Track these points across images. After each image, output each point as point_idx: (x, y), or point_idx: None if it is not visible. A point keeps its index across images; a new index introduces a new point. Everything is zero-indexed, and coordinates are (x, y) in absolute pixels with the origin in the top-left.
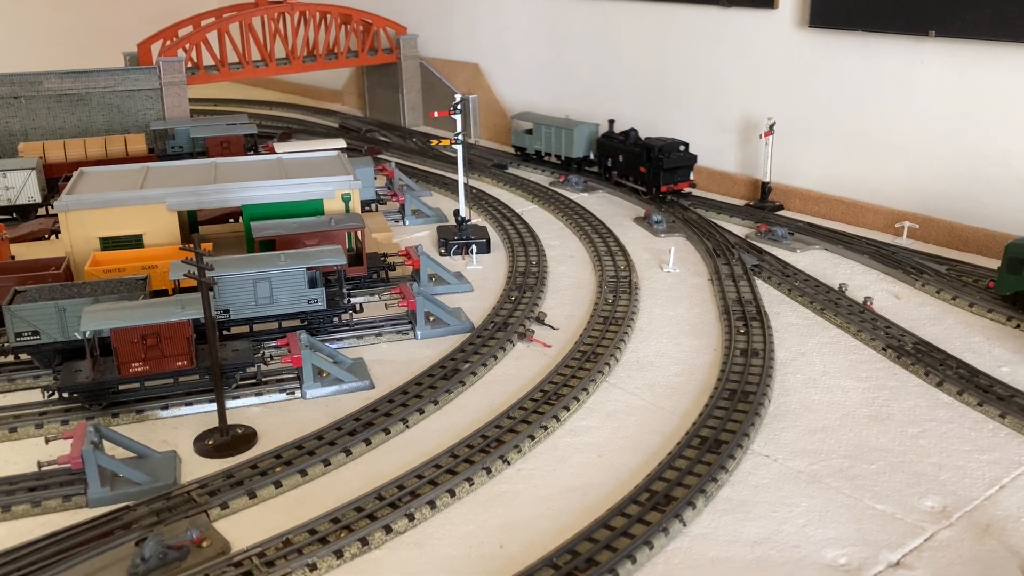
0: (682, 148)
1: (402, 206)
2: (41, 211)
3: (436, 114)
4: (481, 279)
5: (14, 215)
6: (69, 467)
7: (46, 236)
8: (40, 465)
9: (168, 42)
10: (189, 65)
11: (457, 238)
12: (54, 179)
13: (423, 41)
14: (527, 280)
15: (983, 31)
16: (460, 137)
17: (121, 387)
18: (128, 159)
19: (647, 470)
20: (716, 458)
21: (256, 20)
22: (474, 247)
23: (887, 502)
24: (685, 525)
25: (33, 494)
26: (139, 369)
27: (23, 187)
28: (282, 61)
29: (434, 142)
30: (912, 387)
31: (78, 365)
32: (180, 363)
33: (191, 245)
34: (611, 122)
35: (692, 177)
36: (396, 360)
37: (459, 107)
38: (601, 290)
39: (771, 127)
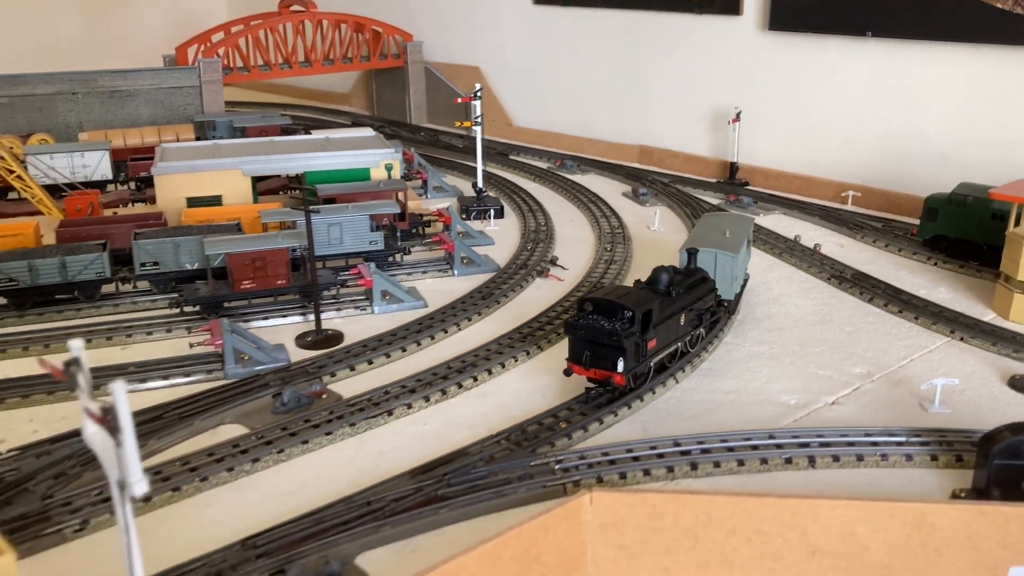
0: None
1: (424, 182)
2: (110, 187)
3: (460, 100)
4: (499, 237)
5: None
6: (213, 349)
7: (125, 205)
8: (191, 345)
9: (203, 46)
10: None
11: (476, 205)
12: (118, 162)
13: (427, 47)
14: (538, 236)
15: (907, 32)
16: (479, 120)
17: (232, 302)
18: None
19: None
20: (701, 340)
21: (280, 27)
22: (491, 211)
23: (827, 369)
24: (677, 382)
25: (184, 368)
26: (248, 286)
27: (97, 165)
28: (303, 64)
29: (457, 124)
30: (850, 303)
31: (197, 285)
32: (280, 282)
33: (301, 192)
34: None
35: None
36: (441, 290)
37: (479, 94)
38: (600, 242)
39: (737, 115)
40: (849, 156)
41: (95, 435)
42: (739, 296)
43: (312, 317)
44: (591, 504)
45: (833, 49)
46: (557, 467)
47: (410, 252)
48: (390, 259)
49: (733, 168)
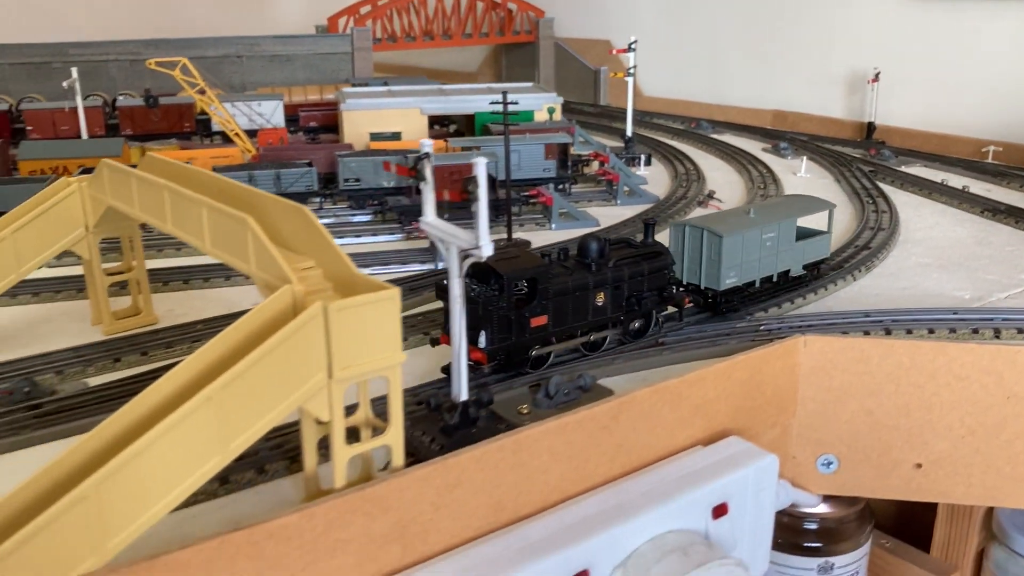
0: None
1: (571, 135)
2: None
3: (615, 51)
4: (651, 178)
5: None
6: (424, 243)
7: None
8: (407, 236)
9: (353, 17)
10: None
11: (626, 152)
12: (289, 116)
13: (557, 22)
14: (689, 177)
15: None
16: (632, 71)
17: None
18: (335, 104)
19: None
20: (869, 252)
21: (425, 1)
22: (642, 157)
23: (994, 274)
24: (855, 279)
25: (401, 256)
26: (448, 196)
27: (272, 114)
28: (444, 37)
29: (612, 74)
30: (1005, 232)
31: (399, 197)
32: None
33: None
34: None
35: None
36: (608, 214)
37: (633, 46)
38: (753, 184)
39: (876, 75)
40: (990, 113)
41: (432, 223)
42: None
43: (498, 229)
44: (804, 347)
45: (971, 9)
46: (761, 327)
47: (576, 181)
48: (559, 187)
49: (870, 128)
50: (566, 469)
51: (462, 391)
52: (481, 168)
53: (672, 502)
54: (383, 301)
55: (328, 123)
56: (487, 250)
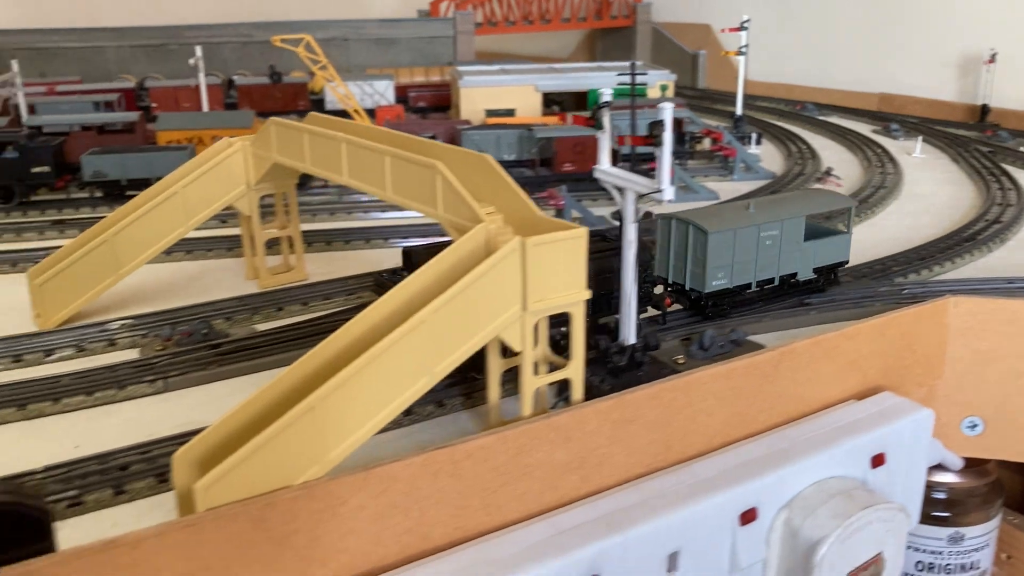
0: None
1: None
2: None
3: (726, 30)
4: (764, 157)
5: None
6: (555, 208)
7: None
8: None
9: (454, 2)
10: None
11: (736, 131)
12: (400, 97)
13: (654, 7)
14: (803, 155)
15: None
16: (744, 49)
17: (553, 184)
18: (443, 84)
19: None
20: (1001, 225)
21: None
22: (753, 135)
23: None
24: (991, 251)
25: None
26: (569, 168)
27: (384, 92)
28: (543, 21)
29: (723, 53)
30: None
31: (521, 169)
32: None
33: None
34: None
35: None
36: (725, 188)
37: (745, 25)
38: (870, 163)
39: (993, 56)
40: None
41: (607, 170)
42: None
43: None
44: (954, 307)
45: None
46: (905, 292)
47: (693, 157)
48: (676, 162)
49: (984, 110)
50: (730, 414)
51: (630, 335)
52: (667, 112)
53: (833, 450)
54: (573, 239)
55: (437, 102)
56: (668, 194)
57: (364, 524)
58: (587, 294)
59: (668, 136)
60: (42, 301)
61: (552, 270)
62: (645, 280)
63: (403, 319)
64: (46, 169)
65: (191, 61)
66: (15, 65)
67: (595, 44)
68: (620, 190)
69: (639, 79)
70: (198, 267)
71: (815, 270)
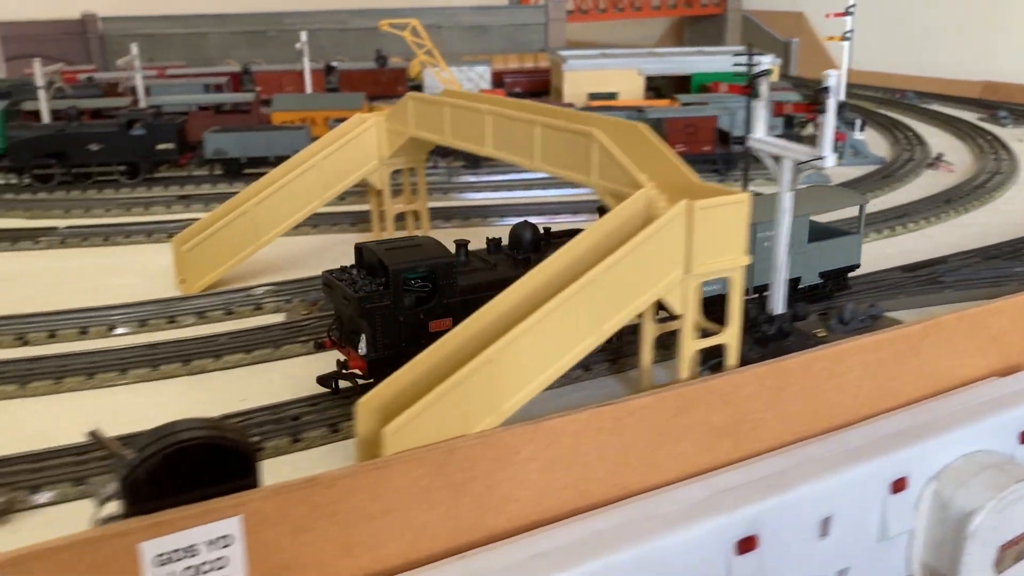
0: None
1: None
2: None
3: (832, 15)
4: (870, 143)
5: None
6: None
7: None
8: None
9: None
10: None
11: (840, 117)
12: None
13: None
14: (909, 141)
15: None
16: (849, 34)
17: None
18: (538, 70)
19: None
20: None
21: None
22: (857, 121)
23: None
24: None
25: None
26: (681, 149)
27: (481, 78)
28: (634, 8)
29: (826, 38)
30: None
31: None
32: (706, 148)
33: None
34: None
35: None
36: (834, 173)
37: (851, 10)
38: (981, 151)
39: None
40: None
41: (762, 139)
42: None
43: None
44: None
45: None
46: None
47: (801, 141)
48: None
49: None
50: (875, 385)
51: (779, 305)
52: (832, 79)
53: (980, 424)
54: (736, 204)
55: (533, 87)
56: (830, 160)
57: (533, 475)
58: (747, 259)
59: (832, 103)
60: (186, 268)
61: (715, 234)
62: None
63: (566, 281)
64: (171, 146)
65: (297, 46)
66: (134, 48)
67: (682, 32)
68: (777, 159)
69: (754, 62)
70: (323, 241)
71: (821, 275)
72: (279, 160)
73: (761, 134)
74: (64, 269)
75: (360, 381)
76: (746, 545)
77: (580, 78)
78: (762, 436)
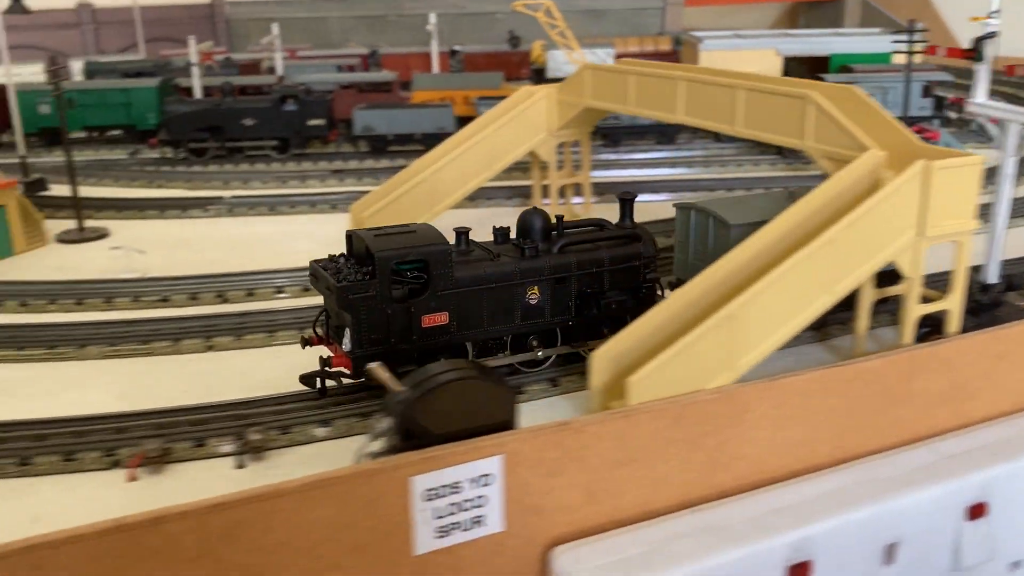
0: None
1: None
2: None
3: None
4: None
5: None
6: None
7: None
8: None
9: None
10: None
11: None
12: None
13: None
14: None
15: None
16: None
17: None
18: (658, 53)
19: None
20: None
21: None
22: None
23: None
24: None
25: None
26: None
27: (603, 61)
28: None
29: (970, 19)
30: None
31: None
32: None
33: None
34: None
35: None
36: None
37: None
38: None
39: None
40: None
41: (984, 103)
42: None
43: None
44: None
45: None
46: None
47: (949, 123)
48: (938, 127)
49: None
50: None
51: (993, 274)
52: (994, 24)
53: None
54: (972, 165)
55: None
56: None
57: (763, 433)
58: (976, 224)
59: (988, 53)
60: None
61: (949, 196)
62: (644, 279)
63: (797, 242)
64: (321, 122)
65: (427, 27)
66: (275, 28)
67: (796, 18)
68: (1000, 123)
69: (883, 44)
70: (487, 214)
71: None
72: (425, 138)
73: (982, 98)
74: (238, 236)
75: (346, 380)
76: (977, 511)
77: (717, 58)
78: (979, 405)
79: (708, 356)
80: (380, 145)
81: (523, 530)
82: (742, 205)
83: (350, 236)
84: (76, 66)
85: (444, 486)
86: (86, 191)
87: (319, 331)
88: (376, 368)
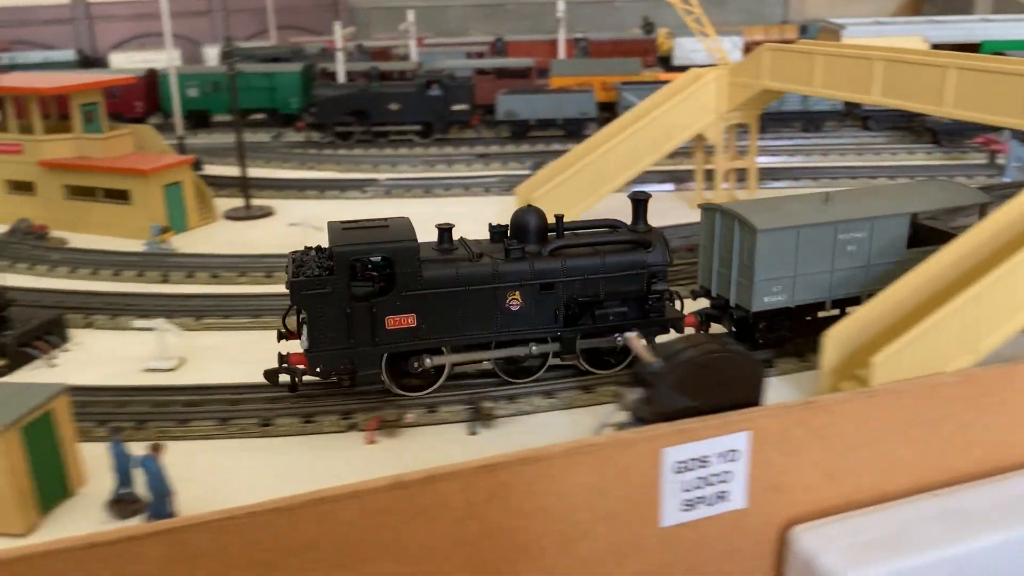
0: None
1: None
2: None
3: None
4: None
5: None
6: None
7: None
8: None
9: None
10: None
11: None
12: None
13: None
14: None
15: None
16: None
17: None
18: (785, 41)
19: None
20: None
21: None
22: None
23: None
24: None
25: None
26: None
27: (731, 50)
28: None
29: None
30: None
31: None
32: None
33: None
34: None
35: None
36: None
37: None
38: None
39: None
40: None
41: None
42: None
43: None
44: None
45: None
46: None
47: None
48: None
49: None
50: None
51: None
52: None
53: None
54: None
55: None
56: None
57: (1002, 420)
58: None
59: None
60: None
61: None
62: (650, 290)
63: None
64: (465, 107)
65: (557, 14)
66: (411, 15)
67: (921, 5)
68: None
69: None
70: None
71: None
72: (567, 123)
73: None
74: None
75: (304, 378)
76: None
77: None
78: None
79: (951, 338)
80: (521, 130)
81: (763, 507)
82: (772, 209)
83: (328, 227)
84: (211, 52)
85: (693, 459)
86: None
87: (289, 326)
88: (633, 338)
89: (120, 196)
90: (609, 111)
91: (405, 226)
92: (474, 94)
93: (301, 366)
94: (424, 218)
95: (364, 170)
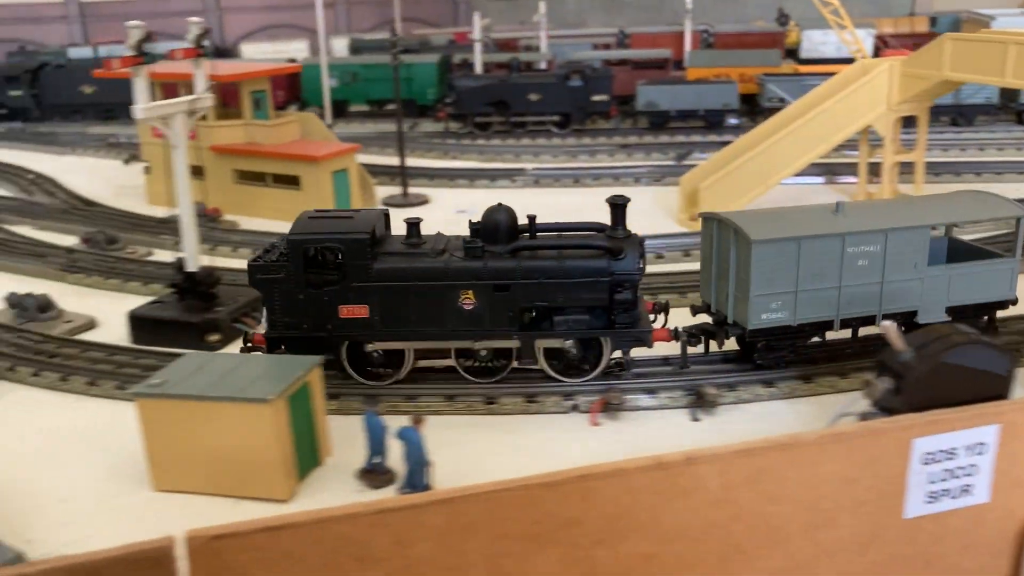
0: None
1: None
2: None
3: None
4: None
5: None
6: None
7: None
8: None
9: None
10: None
11: None
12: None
13: None
14: None
15: None
16: None
17: None
18: (915, 34)
19: None
20: None
21: None
22: None
23: None
24: None
25: None
26: None
27: (864, 41)
28: None
29: None
30: None
31: None
32: None
33: None
34: None
35: None
36: None
37: None
38: None
39: None
40: None
41: None
42: None
43: None
44: None
45: None
46: None
47: None
48: None
49: None
50: None
51: None
52: None
53: None
54: None
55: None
56: None
57: None
58: None
59: None
60: (693, 206)
61: None
62: (619, 300)
63: None
64: (605, 98)
65: (687, 5)
66: (542, 7)
67: None
68: None
69: None
70: (787, 192)
71: (951, 310)
72: (708, 113)
73: None
74: (555, 205)
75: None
76: None
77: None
78: None
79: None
80: (660, 121)
81: (1006, 503)
82: (774, 218)
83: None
84: (339, 44)
85: (941, 451)
86: (385, 160)
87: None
88: (888, 327)
89: (290, 181)
90: (749, 103)
91: (370, 218)
92: (613, 85)
93: (257, 343)
94: (581, 208)
95: (506, 160)
